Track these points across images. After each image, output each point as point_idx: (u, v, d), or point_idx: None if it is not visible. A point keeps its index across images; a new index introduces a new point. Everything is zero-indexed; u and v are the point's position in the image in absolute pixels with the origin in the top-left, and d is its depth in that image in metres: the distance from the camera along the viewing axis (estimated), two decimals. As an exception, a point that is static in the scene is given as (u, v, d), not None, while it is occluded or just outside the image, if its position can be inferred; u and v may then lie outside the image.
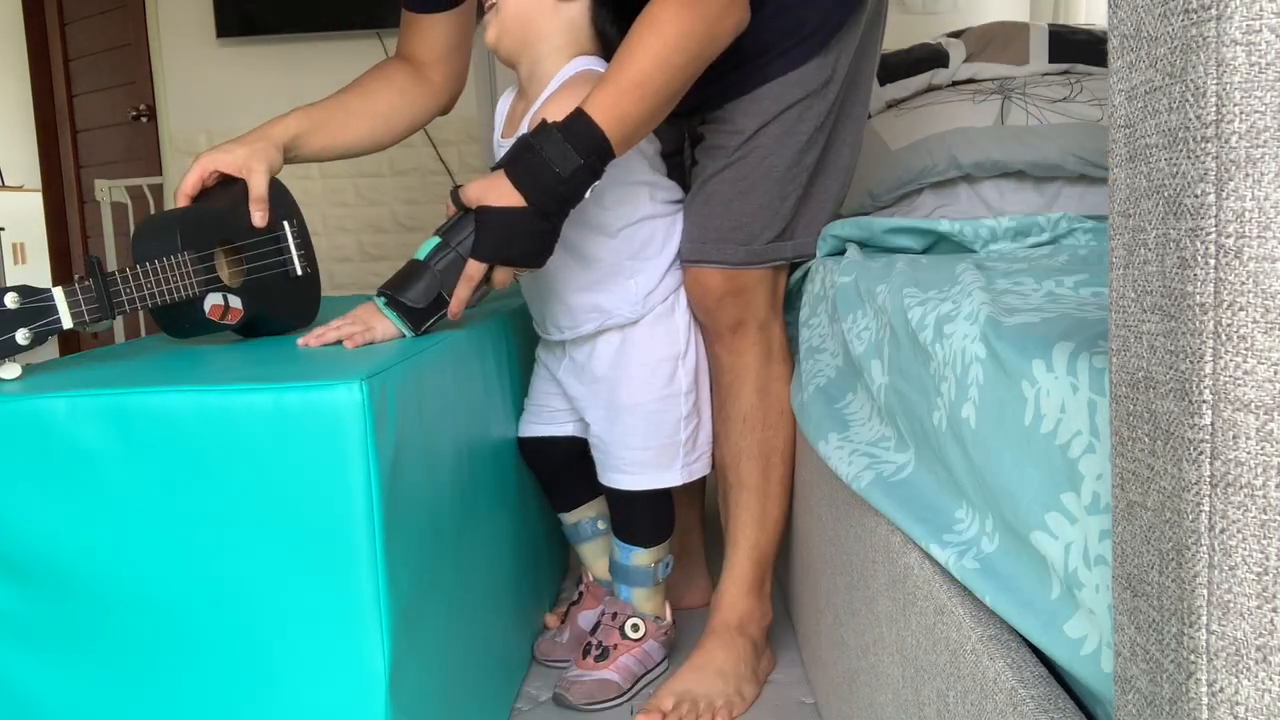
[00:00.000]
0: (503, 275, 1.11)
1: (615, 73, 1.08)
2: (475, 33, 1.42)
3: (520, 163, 1.07)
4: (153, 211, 3.21)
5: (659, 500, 1.36)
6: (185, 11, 3.00)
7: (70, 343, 4.07)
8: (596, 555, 1.48)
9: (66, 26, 3.93)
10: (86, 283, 0.93)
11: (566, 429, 1.42)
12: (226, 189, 1.16)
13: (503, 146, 1.26)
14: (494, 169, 1.12)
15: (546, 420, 1.43)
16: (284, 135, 1.22)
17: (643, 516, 1.36)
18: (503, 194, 1.07)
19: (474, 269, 1.09)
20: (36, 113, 4.14)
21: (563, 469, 1.44)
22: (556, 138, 1.06)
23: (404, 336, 1.09)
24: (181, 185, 1.14)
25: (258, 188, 1.16)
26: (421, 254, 1.11)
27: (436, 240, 1.11)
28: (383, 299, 1.09)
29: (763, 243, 1.30)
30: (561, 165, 1.06)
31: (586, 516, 1.47)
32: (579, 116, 1.06)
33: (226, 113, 3.00)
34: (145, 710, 0.83)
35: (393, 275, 1.11)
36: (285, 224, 1.23)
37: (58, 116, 4.09)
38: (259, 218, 1.16)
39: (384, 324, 1.08)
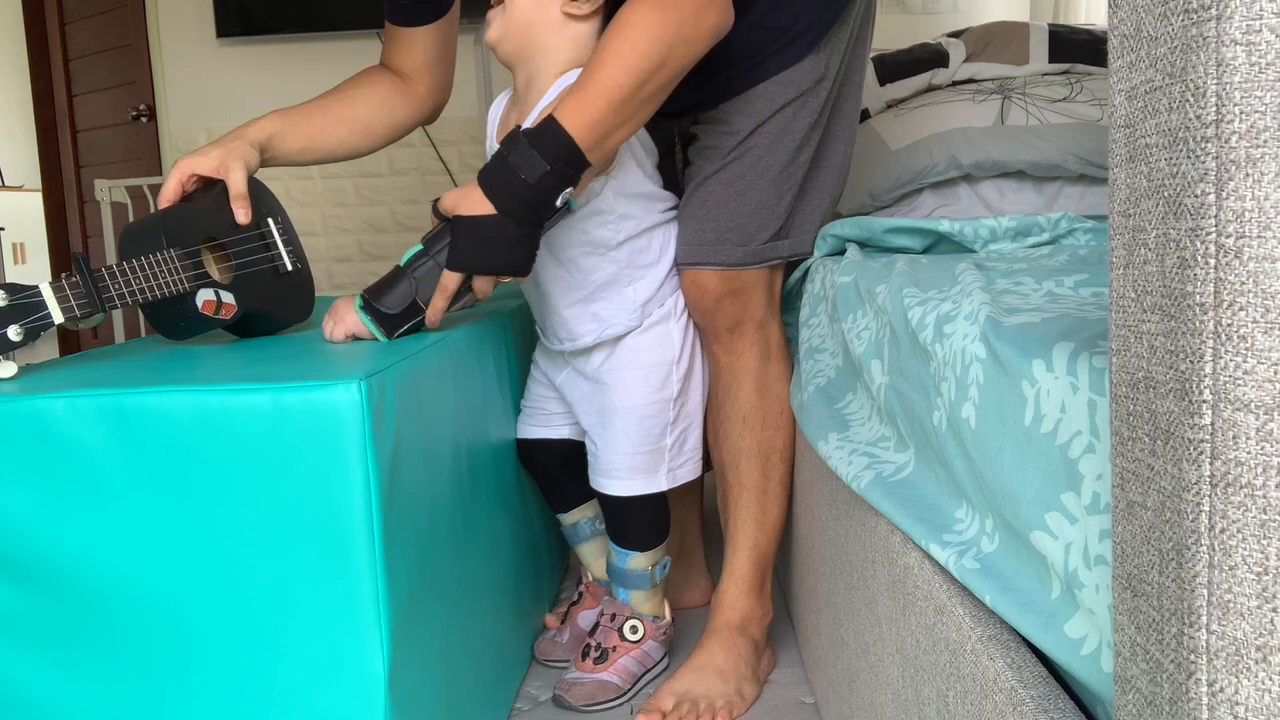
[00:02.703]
0: (482, 284, 1.11)
1: (586, 78, 1.07)
2: (475, 36, 1.42)
3: (491, 171, 1.07)
4: (153, 211, 3.21)
5: (652, 504, 1.35)
6: (185, 11, 3.00)
7: (69, 342, 4.07)
8: (595, 555, 1.48)
9: (66, 26, 3.94)
10: (74, 278, 0.93)
11: (562, 431, 1.42)
12: (207, 191, 1.17)
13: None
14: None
15: (543, 423, 1.43)
16: (259, 135, 1.23)
17: (636, 521, 1.36)
18: (473, 203, 1.07)
19: (448, 280, 1.09)
20: (36, 113, 4.14)
21: (559, 470, 1.44)
22: (524, 144, 1.06)
23: (376, 340, 1.09)
24: (162, 192, 1.14)
25: (237, 185, 1.16)
26: (404, 260, 1.12)
27: (418, 248, 1.11)
28: (360, 301, 1.10)
29: (759, 242, 1.30)
30: (528, 172, 1.05)
31: (584, 517, 1.47)
32: (548, 123, 1.06)
33: (226, 113, 2.99)
34: (144, 710, 0.83)
35: (377, 280, 1.12)
36: (270, 220, 1.23)
37: (58, 116, 4.09)
38: (241, 214, 1.16)
39: (357, 321, 1.09)
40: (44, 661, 0.83)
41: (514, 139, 1.07)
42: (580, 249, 1.26)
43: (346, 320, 1.09)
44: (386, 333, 1.09)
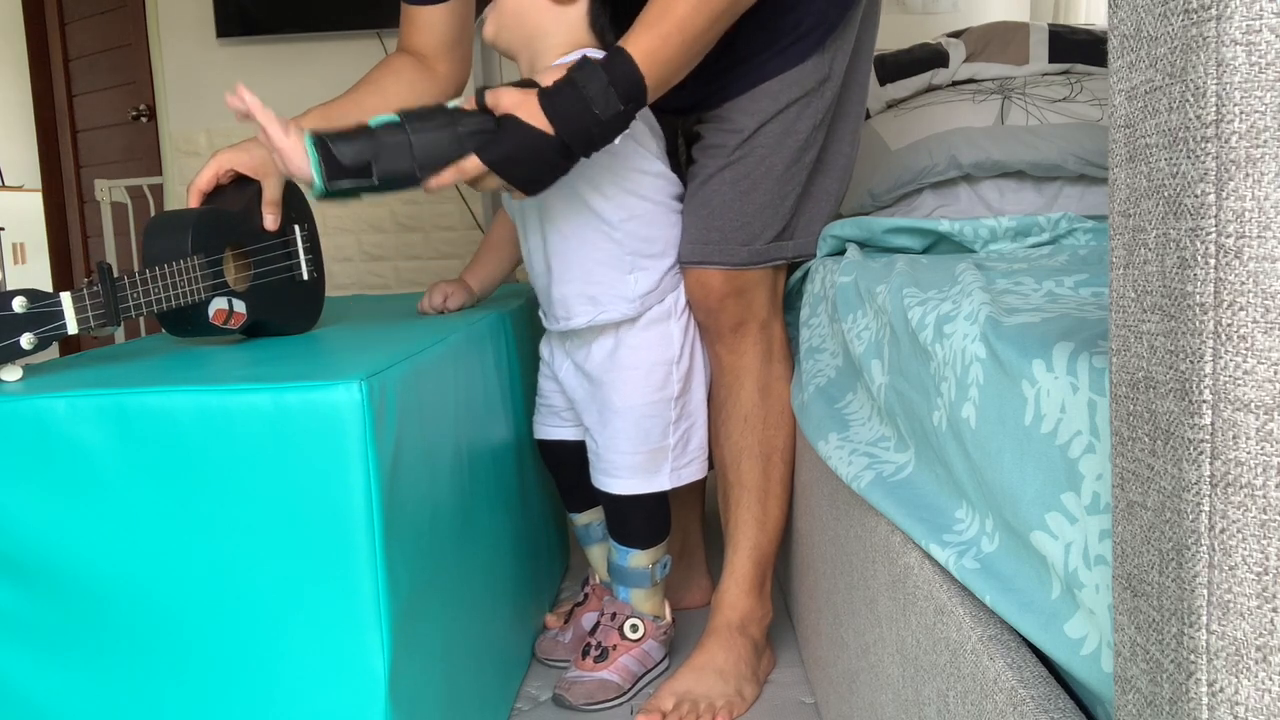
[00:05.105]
0: (491, 182, 1.07)
1: (657, 15, 1.06)
2: (475, 25, 1.42)
3: (559, 95, 1.04)
4: (154, 212, 3.21)
5: (653, 502, 1.35)
6: (185, 11, 2.99)
7: (70, 342, 4.07)
8: (604, 558, 1.48)
9: (66, 26, 3.94)
10: (95, 288, 0.93)
11: (576, 432, 1.42)
12: (241, 189, 1.16)
13: None
14: (522, 84, 1.08)
15: (555, 423, 1.44)
16: None
17: (636, 519, 1.36)
18: (533, 115, 1.04)
19: (472, 166, 1.04)
20: (36, 113, 4.14)
21: (574, 472, 1.44)
22: (601, 78, 1.03)
23: (311, 184, 1.02)
24: (195, 180, 1.13)
25: (272, 191, 1.16)
26: (374, 122, 1.04)
27: (394, 119, 1.04)
28: (312, 136, 1.02)
29: (764, 242, 1.30)
30: (602, 108, 1.03)
31: (597, 519, 1.46)
32: (622, 57, 1.04)
33: (226, 113, 2.99)
34: (145, 710, 0.83)
35: (337, 128, 1.04)
36: (296, 228, 1.23)
37: (58, 116, 4.09)
38: (271, 221, 1.16)
39: (300, 157, 1.01)
40: (44, 661, 0.83)
41: (590, 70, 1.04)
42: (581, 224, 1.25)
43: (294, 157, 1.01)
44: (326, 177, 1.01)
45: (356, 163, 1.01)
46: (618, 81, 1.04)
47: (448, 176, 1.04)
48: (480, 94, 1.07)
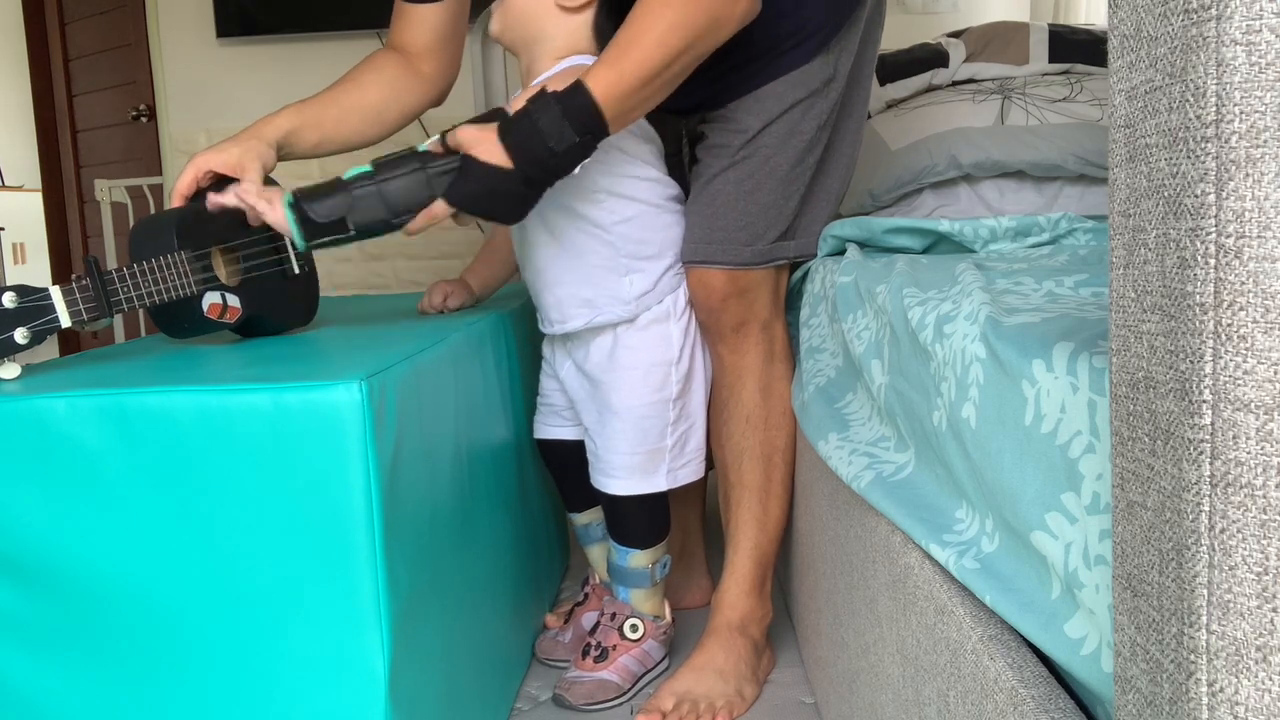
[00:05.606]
0: (467, 219, 1.11)
1: (618, 51, 1.07)
2: (474, 24, 1.42)
3: (515, 127, 1.06)
4: (153, 211, 3.21)
5: (652, 503, 1.35)
6: (185, 11, 2.99)
7: (70, 342, 4.07)
8: (604, 558, 1.48)
9: (66, 26, 3.94)
10: (84, 282, 0.94)
11: (576, 432, 1.42)
12: (222, 190, 1.17)
13: None
14: (484, 119, 1.10)
15: (556, 422, 1.44)
16: (276, 133, 1.22)
17: (636, 519, 1.36)
18: (491, 151, 1.06)
19: (440, 209, 1.07)
20: (36, 113, 4.14)
21: (574, 471, 1.44)
22: (555, 111, 1.05)
23: (291, 239, 1.08)
24: (176, 186, 1.14)
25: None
26: (348, 174, 1.09)
27: (367, 169, 1.08)
28: (290, 198, 1.07)
29: (767, 242, 1.30)
30: (556, 140, 1.05)
31: (596, 519, 1.46)
32: (579, 90, 1.06)
33: (226, 113, 2.99)
34: (145, 710, 0.83)
35: (315, 184, 1.09)
36: None
37: (58, 116, 4.09)
38: (252, 216, 1.16)
39: (283, 221, 1.07)
40: (44, 661, 0.83)
41: (544, 102, 1.06)
42: (574, 228, 1.26)
43: (279, 222, 1.07)
44: (306, 236, 1.06)
45: (331, 218, 1.06)
46: (571, 114, 1.05)
47: (420, 221, 1.08)
48: (443, 136, 1.09)
